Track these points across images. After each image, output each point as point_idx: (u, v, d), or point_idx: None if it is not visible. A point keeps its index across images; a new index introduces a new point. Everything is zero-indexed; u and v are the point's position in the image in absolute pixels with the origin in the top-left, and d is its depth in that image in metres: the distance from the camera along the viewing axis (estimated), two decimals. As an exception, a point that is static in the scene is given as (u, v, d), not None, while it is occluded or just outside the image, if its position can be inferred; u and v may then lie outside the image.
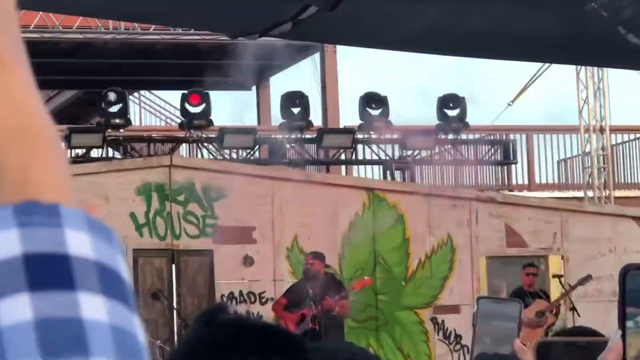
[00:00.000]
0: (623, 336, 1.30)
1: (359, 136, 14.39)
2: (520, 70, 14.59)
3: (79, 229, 0.48)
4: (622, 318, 1.31)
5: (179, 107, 14.27)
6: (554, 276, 13.05)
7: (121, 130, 13.44)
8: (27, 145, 0.47)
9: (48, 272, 0.47)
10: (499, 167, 15.75)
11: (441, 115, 14.20)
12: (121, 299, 0.51)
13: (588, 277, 12.60)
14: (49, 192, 0.48)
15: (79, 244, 0.48)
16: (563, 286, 12.68)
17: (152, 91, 18.38)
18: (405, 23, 9.44)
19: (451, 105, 14.17)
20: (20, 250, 0.47)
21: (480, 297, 2.12)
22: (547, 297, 12.12)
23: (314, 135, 14.19)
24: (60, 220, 0.48)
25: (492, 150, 15.34)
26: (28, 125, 0.48)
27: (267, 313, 11.49)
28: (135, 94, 18.01)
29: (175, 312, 11.55)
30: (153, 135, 15.14)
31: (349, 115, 15.41)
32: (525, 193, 15.89)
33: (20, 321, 0.46)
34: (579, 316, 12.34)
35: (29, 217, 0.47)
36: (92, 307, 0.49)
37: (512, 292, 12.10)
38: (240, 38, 10.47)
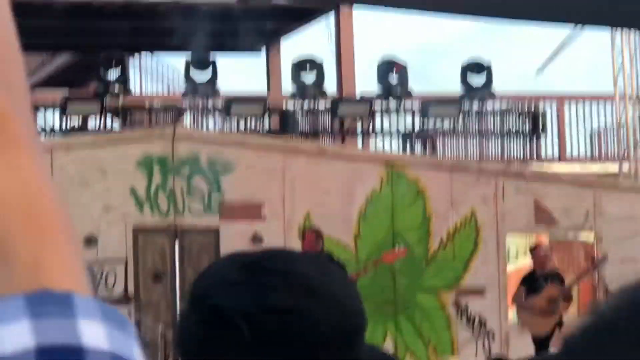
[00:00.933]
0: None
1: (377, 106, 14.34)
2: (551, 34, 14.17)
3: (93, 319, 0.49)
4: None
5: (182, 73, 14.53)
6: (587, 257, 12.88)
7: (120, 98, 13.44)
8: (38, 232, 0.48)
9: None
10: (528, 138, 15.66)
11: (465, 83, 14.22)
12: None
13: (605, 258, 12.47)
14: (61, 280, 0.48)
15: (93, 334, 0.49)
16: (586, 268, 12.69)
17: (154, 53, 18.62)
18: None
19: (476, 72, 14.18)
20: (34, 343, 0.47)
21: None
22: (562, 281, 11.96)
23: (328, 105, 14.15)
24: (73, 310, 0.48)
25: (520, 121, 15.37)
26: (39, 209, 0.48)
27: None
28: (136, 59, 18.18)
29: (178, 294, 11.42)
30: (155, 104, 15.05)
31: (366, 83, 15.43)
32: (556, 166, 15.75)
33: None
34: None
35: (41, 307, 0.48)
36: None
37: (524, 275, 12.18)
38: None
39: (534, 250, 12.24)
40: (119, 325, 0.52)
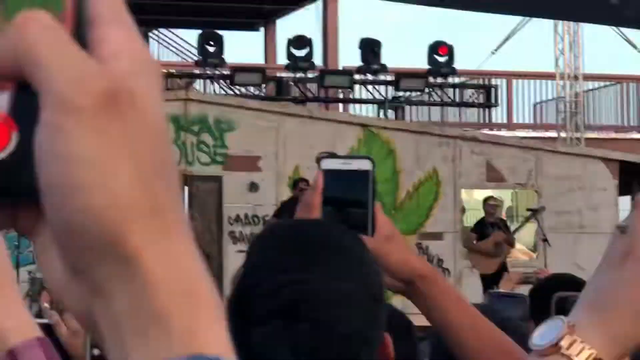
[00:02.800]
0: None
1: (357, 77, 14.97)
2: (504, 21, 15.40)
3: None
4: None
5: (195, 45, 14.83)
6: (528, 210, 13.64)
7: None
8: (194, 309, 0.53)
9: None
10: (482, 108, 16.37)
11: (431, 60, 14.78)
12: None
13: (542, 208, 13.22)
14: (212, 347, 0.53)
15: None
16: (537, 219, 13.23)
17: (171, 29, 19.00)
18: None
19: (440, 50, 14.72)
20: None
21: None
22: (507, 228, 12.65)
23: (316, 75, 14.73)
24: None
25: (476, 93, 15.89)
26: (193, 289, 0.53)
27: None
28: (155, 32, 18.57)
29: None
30: (170, 70, 15.44)
31: (348, 58, 16.11)
32: (504, 132, 16.57)
33: None
34: (550, 246, 12.99)
35: None
36: None
37: (475, 223, 13.03)
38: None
39: (485, 202, 12.89)
40: None
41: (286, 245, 1.45)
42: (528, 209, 13.56)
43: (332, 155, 3.00)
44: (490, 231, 12.31)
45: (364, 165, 1.67)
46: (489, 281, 11.59)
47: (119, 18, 0.54)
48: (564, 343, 1.04)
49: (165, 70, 15.16)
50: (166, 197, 0.53)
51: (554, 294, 3.33)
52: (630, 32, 15.83)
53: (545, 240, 12.76)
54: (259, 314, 1.38)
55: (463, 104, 15.92)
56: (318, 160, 1.72)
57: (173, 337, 0.53)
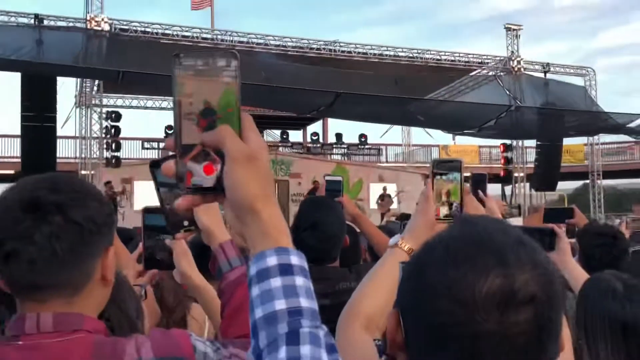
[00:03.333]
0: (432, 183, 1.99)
1: (334, 147, 33.08)
2: (384, 126, 35.19)
3: (297, 255, 1.22)
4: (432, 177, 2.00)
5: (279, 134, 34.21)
6: (394, 191, 28.33)
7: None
8: (279, 231, 1.19)
9: None
10: (377, 156, 34.21)
11: (360, 139, 33.14)
12: None
13: (402, 190, 26.03)
14: (287, 244, 1.16)
15: (297, 261, 1.20)
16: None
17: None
18: (353, 112, 24.39)
19: (363, 136, 33.72)
20: (276, 262, 1.16)
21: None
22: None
23: (319, 145, 32.67)
24: (289, 253, 1.18)
25: (375, 151, 34.68)
26: (280, 225, 1.17)
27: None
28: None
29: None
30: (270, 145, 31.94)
31: (332, 139, 34.55)
32: (385, 164, 33.34)
33: None
34: (400, 203, 25.49)
35: (281, 251, 1.18)
36: None
37: (379, 195, 24.83)
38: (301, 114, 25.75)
39: (383, 189, 25.49)
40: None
41: (312, 203, 3.54)
42: (394, 191, 29.31)
43: (328, 175, 4.37)
44: (385, 198, 26.80)
45: (339, 179, 3.75)
46: (383, 214, 21.69)
47: (252, 127, 1.19)
48: (399, 243, 1.92)
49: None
50: (269, 192, 1.17)
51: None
52: (428, 130, 28.11)
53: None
54: (303, 227, 3.32)
55: (371, 154, 34.10)
56: (324, 177, 3.95)
57: (271, 241, 1.17)
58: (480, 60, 25.89)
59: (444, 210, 2.06)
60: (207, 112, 1.22)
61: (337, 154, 33.15)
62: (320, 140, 33.51)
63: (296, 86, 19.20)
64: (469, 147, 36.66)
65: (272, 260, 1.19)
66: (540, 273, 1.23)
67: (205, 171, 1.22)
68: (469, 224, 1.30)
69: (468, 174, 2.18)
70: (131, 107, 30.99)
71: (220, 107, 1.21)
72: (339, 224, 3.47)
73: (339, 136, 33.03)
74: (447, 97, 25.37)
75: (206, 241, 2.01)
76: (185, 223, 2.00)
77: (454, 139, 34.79)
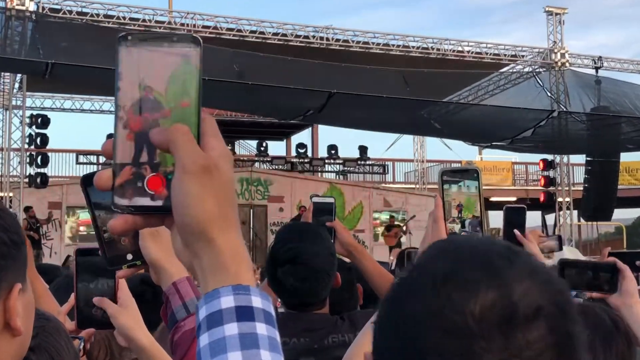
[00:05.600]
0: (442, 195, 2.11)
1: (326, 162, 33.19)
2: (391, 136, 36.56)
3: (258, 295, 1.18)
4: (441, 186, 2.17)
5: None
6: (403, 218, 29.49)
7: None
8: (238, 263, 1.22)
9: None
10: (381, 175, 34.92)
11: (360, 152, 33.57)
12: None
13: (413, 217, 26.71)
14: (247, 281, 1.19)
15: (258, 302, 1.18)
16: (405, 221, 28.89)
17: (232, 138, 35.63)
18: (348, 117, 27.19)
19: (363, 149, 33.81)
20: (234, 304, 1.14)
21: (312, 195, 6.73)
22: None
23: (308, 160, 32.82)
24: (250, 292, 1.18)
25: (379, 168, 35.05)
26: (239, 254, 1.23)
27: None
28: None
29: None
30: (241, 158, 32.35)
31: (322, 153, 34.89)
32: (391, 185, 34.20)
33: None
34: (411, 235, 26.56)
35: (238, 290, 1.20)
36: None
37: (386, 226, 27.48)
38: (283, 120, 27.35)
39: (390, 219, 27.46)
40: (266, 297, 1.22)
41: (293, 230, 3.60)
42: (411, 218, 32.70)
43: (317, 196, 4.85)
44: (391, 228, 27.73)
45: (331, 200, 3.78)
46: (391, 247, 23.98)
47: (215, 133, 1.23)
48: None
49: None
50: (231, 212, 1.22)
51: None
52: (446, 140, 31.94)
53: (409, 233, 30.98)
54: (280, 260, 3.36)
55: (373, 173, 34.71)
56: (311, 197, 3.85)
57: (228, 276, 1.21)
58: (513, 53, 26.14)
59: (457, 230, 2.18)
60: (150, 103, 1.22)
61: (331, 171, 33.68)
62: (309, 153, 33.96)
63: (278, 84, 19.46)
64: (500, 163, 36.91)
65: (227, 301, 1.21)
66: (541, 280, 1.24)
67: (150, 185, 1.24)
68: (447, 240, 1.35)
69: (494, 200, 2.17)
70: (63, 109, 31.19)
71: (169, 98, 1.22)
72: (328, 257, 3.48)
73: (332, 149, 33.47)
74: (472, 99, 25.65)
75: (155, 279, 2.05)
76: (129, 256, 2.02)
77: (480, 153, 35.85)
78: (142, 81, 1.22)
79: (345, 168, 33.80)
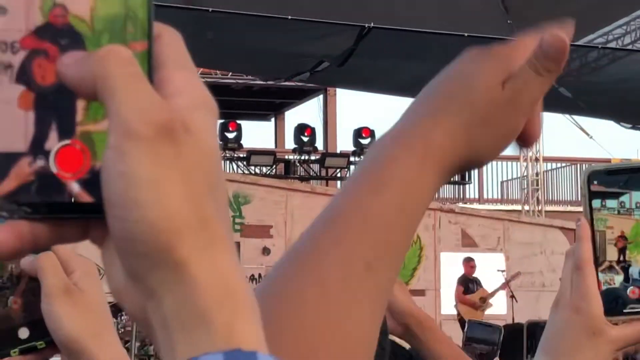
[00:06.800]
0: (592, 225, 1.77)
1: (352, 159, 24.70)
2: None
3: None
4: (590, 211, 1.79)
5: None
6: (498, 270, 21.70)
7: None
8: (232, 307, 0.81)
9: None
10: (457, 185, 26.18)
11: None
12: None
13: (517, 274, 21.09)
14: (249, 342, 0.81)
15: None
16: (505, 279, 21.36)
17: None
18: (394, 76, 19.44)
19: None
20: None
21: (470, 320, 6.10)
22: (480, 284, 20.46)
23: (318, 157, 24.27)
24: None
25: None
26: (233, 292, 0.82)
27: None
28: None
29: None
30: None
31: (345, 143, 26.07)
32: (476, 205, 26.14)
33: None
34: (517, 302, 20.98)
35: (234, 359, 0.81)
36: None
37: (458, 278, 20.50)
38: (269, 81, 20.77)
39: (467, 262, 20.38)
40: None
41: None
42: (498, 270, 21.65)
43: None
44: (472, 286, 19.95)
45: None
46: None
47: (183, 62, 0.86)
48: None
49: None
50: (214, 213, 0.83)
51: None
52: (582, 121, 25.92)
53: (512, 297, 20.98)
54: None
55: None
56: None
57: (214, 333, 0.82)
58: None
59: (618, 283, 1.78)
60: (64, 36, 0.90)
61: None
62: (319, 145, 27.39)
63: (263, 12, 17.36)
64: None
65: None
66: None
67: (61, 162, 0.88)
68: None
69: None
70: None
71: (97, 28, 0.89)
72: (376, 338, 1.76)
73: (362, 136, 26.09)
74: (629, 42, 22.99)
75: None
76: (23, 333, 1.74)
77: None
78: None
79: (388, 172, 25.37)
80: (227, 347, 0.81)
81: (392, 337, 3.13)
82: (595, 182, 1.78)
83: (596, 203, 1.76)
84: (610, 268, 1.76)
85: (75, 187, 0.85)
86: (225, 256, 0.84)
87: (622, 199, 1.81)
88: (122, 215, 0.82)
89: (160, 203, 0.81)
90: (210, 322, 0.82)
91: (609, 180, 1.80)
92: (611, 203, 1.79)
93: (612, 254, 1.78)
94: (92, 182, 0.85)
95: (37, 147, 0.87)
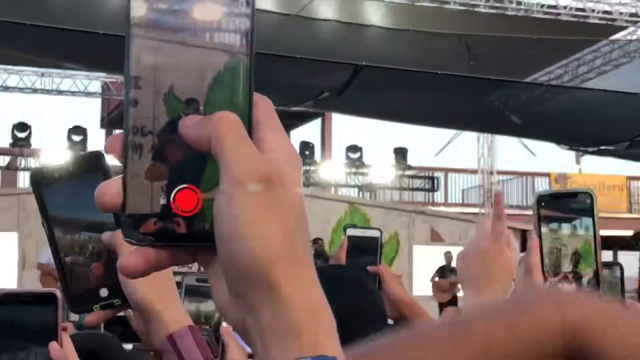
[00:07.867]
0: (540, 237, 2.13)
1: (345, 170, 29.60)
2: (444, 133, 30.59)
3: None
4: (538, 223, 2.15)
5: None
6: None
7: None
8: (317, 323, 0.98)
9: None
10: (428, 192, 31.25)
11: (396, 159, 29.62)
12: None
13: None
14: (331, 351, 0.98)
15: None
16: None
17: None
18: (382, 104, 24.02)
19: (401, 153, 29.74)
20: None
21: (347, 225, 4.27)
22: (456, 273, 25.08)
23: (316, 168, 29.14)
24: None
25: (425, 181, 30.81)
26: (317, 310, 0.98)
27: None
28: None
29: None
30: None
31: (339, 156, 30.92)
32: (443, 208, 30.87)
33: None
34: None
35: None
36: None
37: (438, 267, 23.89)
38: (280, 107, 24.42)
39: (446, 254, 23.52)
40: None
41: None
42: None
43: (353, 226, 4.94)
44: (447, 274, 23.03)
45: (375, 234, 3.74)
46: (443, 306, 21.13)
47: (275, 125, 1.05)
48: None
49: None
50: (301, 245, 1.01)
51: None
52: (528, 142, 29.69)
53: None
54: None
55: (415, 189, 30.92)
56: (344, 228, 3.77)
57: (302, 342, 0.99)
58: (633, 11, 23.54)
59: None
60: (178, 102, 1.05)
61: (351, 185, 31.82)
62: (317, 157, 32.06)
63: (275, 51, 18.39)
64: (609, 179, 34.52)
65: None
66: None
67: (180, 202, 1.04)
68: None
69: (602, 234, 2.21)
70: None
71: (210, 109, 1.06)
72: (377, 321, 3.15)
73: (354, 151, 30.90)
74: (568, 80, 24.76)
75: (140, 328, 1.99)
76: (103, 292, 1.97)
77: (578, 162, 34.69)
78: (165, 64, 1.05)
79: (374, 181, 31.29)
80: (313, 353, 1.02)
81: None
82: (543, 203, 2.19)
83: (553, 226, 2.16)
84: (565, 278, 2.16)
85: (188, 221, 1.06)
86: (312, 282, 1.06)
87: (574, 222, 2.19)
88: (231, 246, 1.01)
89: (261, 238, 1.00)
90: (300, 333, 1.02)
91: (553, 202, 2.20)
92: (566, 226, 2.17)
93: (566, 267, 2.18)
94: (201, 218, 1.05)
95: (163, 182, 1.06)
